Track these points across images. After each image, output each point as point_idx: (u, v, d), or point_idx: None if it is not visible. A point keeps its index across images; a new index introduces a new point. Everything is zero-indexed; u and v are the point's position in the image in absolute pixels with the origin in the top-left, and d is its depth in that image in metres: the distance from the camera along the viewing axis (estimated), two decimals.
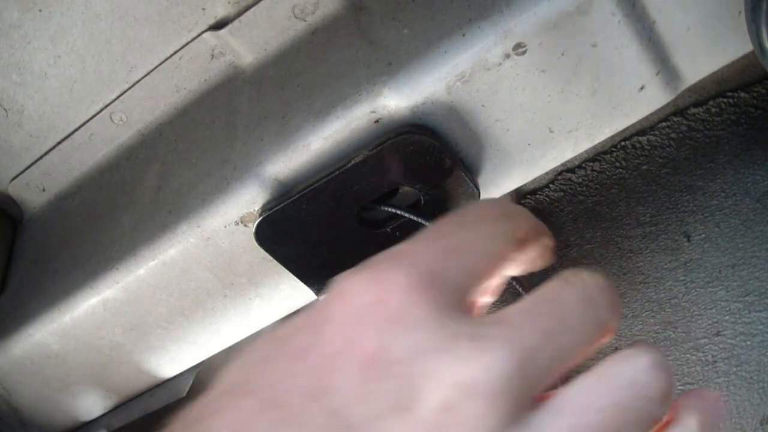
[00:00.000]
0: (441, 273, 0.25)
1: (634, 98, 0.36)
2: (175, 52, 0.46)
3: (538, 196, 0.55)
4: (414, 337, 0.22)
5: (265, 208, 0.39)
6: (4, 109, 0.49)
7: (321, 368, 0.23)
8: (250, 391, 0.23)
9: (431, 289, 0.24)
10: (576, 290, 0.24)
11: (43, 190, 0.53)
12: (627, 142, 0.52)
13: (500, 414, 0.21)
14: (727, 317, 0.51)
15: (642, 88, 0.36)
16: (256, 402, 0.22)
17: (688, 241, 0.51)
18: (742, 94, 0.49)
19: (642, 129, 0.52)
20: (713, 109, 0.50)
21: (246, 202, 0.39)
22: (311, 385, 0.22)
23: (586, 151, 0.40)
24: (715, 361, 0.52)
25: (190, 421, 0.23)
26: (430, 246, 0.26)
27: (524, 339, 0.22)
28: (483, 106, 0.36)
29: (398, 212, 0.38)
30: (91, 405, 0.51)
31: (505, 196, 0.42)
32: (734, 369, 0.52)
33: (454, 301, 0.24)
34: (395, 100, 0.35)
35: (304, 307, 0.43)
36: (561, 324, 0.23)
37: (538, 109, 0.36)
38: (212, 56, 0.45)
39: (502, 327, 0.23)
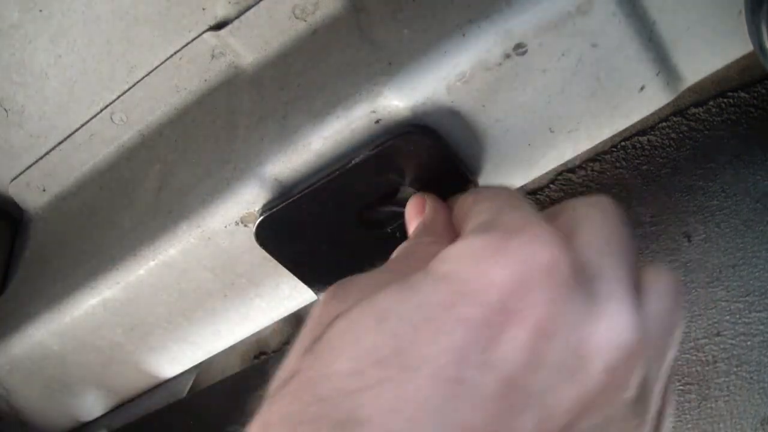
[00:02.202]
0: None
1: (634, 98, 0.36)
2: (175, 52, 0.46)
3: (538, 196, 0.55)
4: (576, 301, 0.23)
5: (265, 208, 0.39)
6: (5, 109, 0.49)
7: (491, 338, 0.22)
8: (413, 365, 0.21)
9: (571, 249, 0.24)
10: (615, 213, 0.27)
11: (44, 190, 0.53)
12: (627, 142, 0.52)
13: (642, 361, 0.23)
14: (728, 317, 0.51)
15: (642, 88, 0.36)
16: (424, 376, 0.21)
17: (689, 241, 0.51)
18: (742, 94, 0.49)
19: (642, 129, 0.52)
20: (713, 109, 0.50)
21: (246, 202, 0.39)
22: (482, 356, 0.21)
23: (586, 151, 0.40)
24: (716, 361, 0.52)
25: (330, 394, 0.21)
26: (529, 208, 0.27)
27: (629, 288, 0.24)
28: (483, 106, 0.36)
29: (400, 211, 0.38)
30: (91, 405, 0.51)
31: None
32: (734, 369, 0.52)
33: None
34: (395, 100, 0.35)
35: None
36: (631, 253, 0.26)
37: (538, 109, 0.36)
38: (212, 56, 0.45)
39: (610, 280, 0.24)
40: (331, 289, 0.27)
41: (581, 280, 0.23)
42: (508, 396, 0.21)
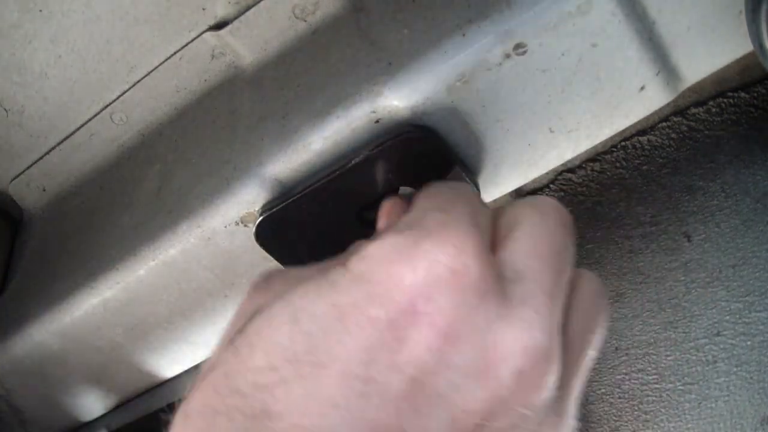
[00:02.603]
0: (484, 234, 0.25)
1: (634, 98, 0.36)
2: (175, 53, 0.46)
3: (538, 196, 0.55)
4: (486, 305, 0.23)
5: (265, 208, 0.39)
6: (5, 109, 0.49)
7: (398, 339, 0.23)
8: (323, 363, 0.22)
9: (488, 253, 0.24)
10: (553, 216, 0.27)
11: (44, 190, 0.53)
12: (627, 142, 0.52)
13: (556, 364, 0.24)
14: (728, 317, 0.51)
15: (642, 88, 0.36)
16: (333, 374, 0.22)
17: (689, 241, 0.51)
18: (742, 94, 0.49)
19: (642, 129, 0.52)
20: (713, 109, 0.50)
21: (246, 202, 0.39)
22: (391, 356, 0.22)
23: (586, 151, 0.40)
24: (716, 361, 0.52)
25: (245, 387, 0.22)
26: (460, 210, 0.26)
27: (550, 291, 0.24)
28: (483, 106, 0.36)
29: None
30: (91, 405, 0.51)
31: (504, 196, 0.43)
32: (734, 369, 0.52)
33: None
34: (395, 100, 0.35)
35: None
36: (562, 257, 0.26)
37: (538, 109, 0.36)
38: (212, 56, 0.45)
39: (530, 283, 0.24)
40: (256, 280, 0.28)
41: (496, 285, 0.24)
42: (415, 396, 0.22)
